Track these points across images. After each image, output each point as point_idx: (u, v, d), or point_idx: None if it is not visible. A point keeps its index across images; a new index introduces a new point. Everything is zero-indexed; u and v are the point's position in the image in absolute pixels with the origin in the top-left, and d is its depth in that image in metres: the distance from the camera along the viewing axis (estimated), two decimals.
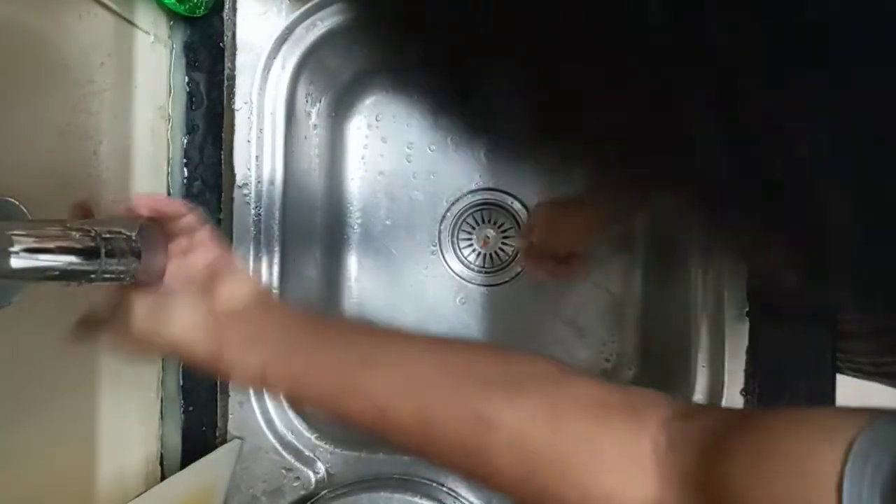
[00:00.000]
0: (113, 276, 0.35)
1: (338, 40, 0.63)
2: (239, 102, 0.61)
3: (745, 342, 0.59)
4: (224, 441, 0.61)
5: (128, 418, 0.58)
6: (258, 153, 0.61)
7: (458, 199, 0.76)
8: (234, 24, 0.61)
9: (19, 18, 0.44)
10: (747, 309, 0.58)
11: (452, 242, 0.76)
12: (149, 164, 0.60)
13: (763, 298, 0.57)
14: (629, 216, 0.70)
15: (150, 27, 0.60)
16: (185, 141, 0.63)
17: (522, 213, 0.75)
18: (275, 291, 0.62)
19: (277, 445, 0.61)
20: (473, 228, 0.76)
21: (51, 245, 0.33)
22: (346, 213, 0.76)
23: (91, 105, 0.52)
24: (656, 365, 0.71)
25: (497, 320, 0.75)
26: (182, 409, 0.63)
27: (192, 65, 0.63)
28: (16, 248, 0.32)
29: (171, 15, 0.62)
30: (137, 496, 0.51)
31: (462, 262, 0.76)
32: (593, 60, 0.18)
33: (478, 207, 0.76)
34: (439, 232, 0.76)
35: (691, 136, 0.18)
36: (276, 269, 0.62)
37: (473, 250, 0.76)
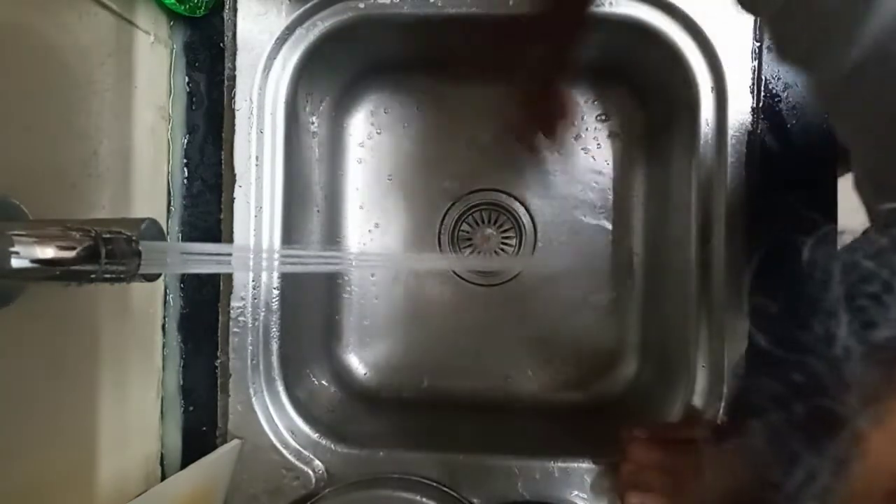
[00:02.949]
0: (113, 276, 0.35)
1: (338, 40, 0.64)
2: (239, 102, 0.61)
3: (745, 342, 0.59)
4: (224, 441, 0.61)
5: (128, 418, 0.58)
6: (258, 153, 0.61)
7: (458, 199, 0.76)
8: (235, 25, 0.61)
9: (19, 18, 0.44)
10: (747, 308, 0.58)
11: (452, 242, 0.76)
12: (149, 164, 0.60)
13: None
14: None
15: (151, 27, 0.60)
16: (186, 141, 0.63)
17: (522, 213, 0.75)
18: (275, 291, 0.62)
19: (277, 445, 0.61)
20: (473, 228, 0.76)
21: (51, 245, 0.33)
22: (345, 213, 0.76)
23: (91, 105, 0.52)
24: (656, 364, 0.72)
25: (497, 321, 0.75)
26: (182, 408, 0.63)
27: (192, 65, 0.63)
28: (16, 248, 0.32)
29: (172, 15, 0.62)
30: (137, 496, 0.51)
31: (462, 262, 0.76)
32: None
33: (478, 207, 0.76)
34: (439, 232, 0.76)
35: None
36: (276, 267, 0.62)
37: (473, 250, 0.76)
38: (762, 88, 0.59)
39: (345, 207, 0.76)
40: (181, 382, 0.63)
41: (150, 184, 0.61)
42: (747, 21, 0.59)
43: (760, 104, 0.59)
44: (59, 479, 0.49)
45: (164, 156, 0.63)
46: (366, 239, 0.76)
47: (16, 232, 0.32)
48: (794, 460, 0.17)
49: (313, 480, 0.60)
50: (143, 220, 0.39)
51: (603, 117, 0.74)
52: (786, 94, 0.59)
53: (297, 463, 0.61)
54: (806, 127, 0.59)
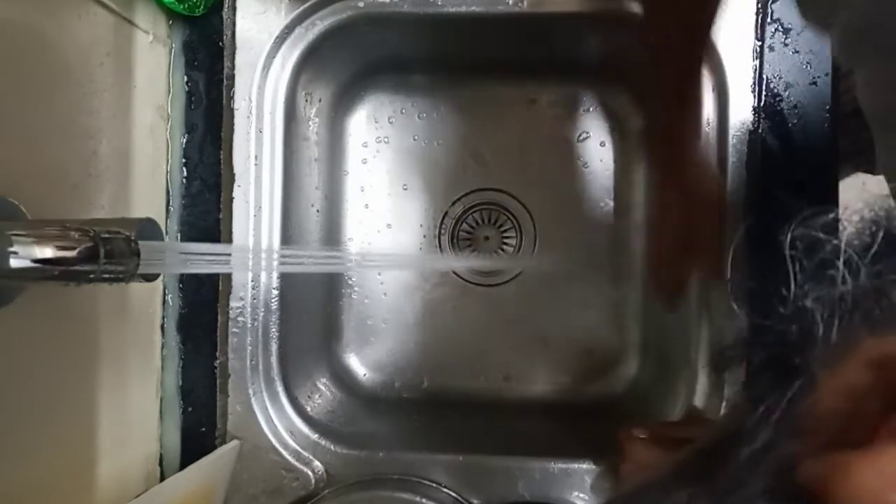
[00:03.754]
0: (112, 276, 0.35)
1: (338, 39, 0.63)
2: (238, 102, 0.61)
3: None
4: (224, 441, 0.61)
5: (127, 418, 0.58)
6: (257, 153, 0.61)
7: (458, 199, 0.75)
8: (234, 24, 0.61)
9: (19, 18, 0.44)
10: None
11: (452, 242, 0.76)
12: (148, 164, 0.60)
13: None
14: None
15: (150, 26, 0.60)
16: (185, 140, 0.63)
17: (523, 213, 0.75)
18: (274, 292, 0.62)
19: (277, 445, 0.61)
20: (473, 228, 0.76)
21: (50, 245, 0.33)
22: (345, 212, 0.76)
23: (90, 104, 0.52)
24: (656, 364, 0.71)
25: (498, 320, 0.75)
26: (181, 409, 0.63)
27: (191, 64, 0.63)
28: (15, 248, 0.32)
29: (171, 14, 0.62)
30: (137, 496, 0.51)
31: (462, 262, 0.76)
32: None
33: (478, 207, 0.76)
34: (439, 232, 0.76)
35: None
36: (275, 267, 0.62)
37: (473, 250, 0.76)
38: (764, 88, 0.59)
39: (344, 207, 0.76)
40: (180, 383, 0.63)
41: (149, 183, 0.61)
42: (749, 20, 0.59)
43: (762, 103, 0.59)
44: (58, 479, 0.49)
45: (163, 155, 0.63)
46: (367, 239, 0.76)
47: (15, 232, 0.32)
48: (758, 400, 0.21)
49: (313, 481, 0.60)
50: (141, 219, 0.39)
51: (604, 117, 0.74)
52: (787, 93, 0.59)
53: (296, 464, 0.60)
54: (807, 127, 0.59)
